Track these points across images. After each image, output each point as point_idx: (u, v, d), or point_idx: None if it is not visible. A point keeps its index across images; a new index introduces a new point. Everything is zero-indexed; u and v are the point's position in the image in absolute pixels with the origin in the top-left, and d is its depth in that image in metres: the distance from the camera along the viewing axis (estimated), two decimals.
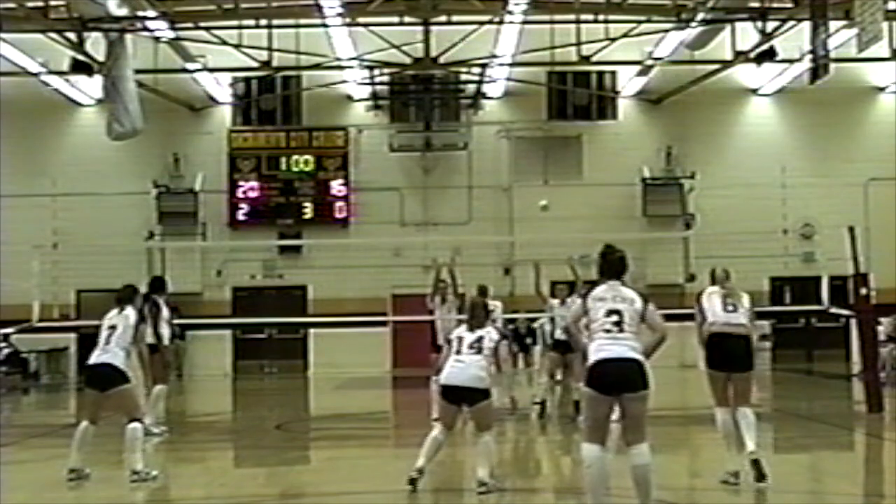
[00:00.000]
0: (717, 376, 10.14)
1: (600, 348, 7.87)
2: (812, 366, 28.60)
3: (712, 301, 10.40)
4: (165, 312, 14.96)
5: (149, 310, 13.73)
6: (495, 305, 16.35)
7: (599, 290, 8.08)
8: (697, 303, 10.54)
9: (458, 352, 9.95)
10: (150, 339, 13.26)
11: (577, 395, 16.43)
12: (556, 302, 17.03)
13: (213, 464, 12.89)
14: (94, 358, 10.96)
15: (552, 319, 17.08)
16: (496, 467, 10.04)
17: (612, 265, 8.20)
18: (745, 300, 10.41)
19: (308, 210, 30.17)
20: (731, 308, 10.26)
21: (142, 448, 10.84)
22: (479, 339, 9.95)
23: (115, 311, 11.19)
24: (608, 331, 7.88)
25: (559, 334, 16.78)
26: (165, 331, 14.86)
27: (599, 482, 7.93)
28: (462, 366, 9.84)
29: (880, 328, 19.45)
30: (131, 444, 10.80)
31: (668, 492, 9.82)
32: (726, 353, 10.06)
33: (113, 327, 11.01)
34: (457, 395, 9.83)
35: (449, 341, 10.27)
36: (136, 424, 10.81)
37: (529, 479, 10.43)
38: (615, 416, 8.05)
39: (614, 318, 7.90)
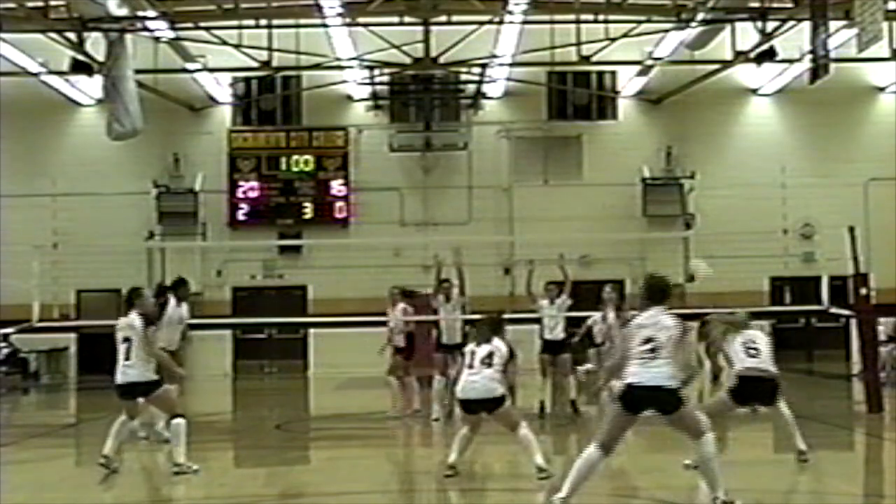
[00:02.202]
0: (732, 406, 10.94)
1: (633, 373, 8.32)
2: (812, 366, 28.57)
3: (734, 347, 11.04)
4: (184, 313, 14.92)
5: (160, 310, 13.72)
6: None
7: (642, 318, 8.48)
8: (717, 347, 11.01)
9: (471, 366, 10.57)
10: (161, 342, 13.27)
11: (572, 393, 16.46)
12: (545, 302, 17.01)
13: (213, 464, 12.88)
14: (120, 376, 11.05)
15: (540, 320, 17.06)
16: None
17: (656, 292, 8.61)
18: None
19: (308, 210, 30.16)
20: (753, 353, 10.97)
21: (185, 442, 10.95)
22: (490, 355, 10.53)
23: (122, 320, 11.23)
24: (641, 358, 8.30)
25: (548, 335, 16.84)
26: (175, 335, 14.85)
27: (586, 473, 8.35)
28: (475, 379, 10.47)
29: (880, 328, 19.42)
30: (175, 439, 11.05)
31: (668, 492, 9.82)
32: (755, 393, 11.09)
33: (128, 339, 11.07)
34: (475, 407, 10.53)
35: (463, 354, 10.86)
36: (178, 420, 11.05)
37: (526, 480, 10.42)
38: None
39: (650, 345, 8.29)
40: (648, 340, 8.30)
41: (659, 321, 8.39)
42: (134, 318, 11.12)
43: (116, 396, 11.22)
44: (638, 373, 8.26)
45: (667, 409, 8.29)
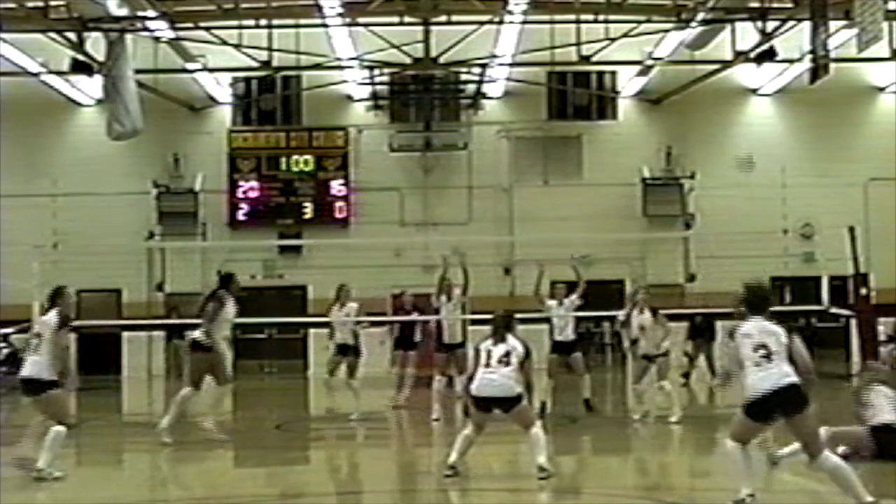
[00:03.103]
0: None
1: (757, 381, 8.27)
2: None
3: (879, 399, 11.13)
4: (231, 311, 14.90)
5: (212, 307, 13.70)
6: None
7: (747, 327, 8.46)
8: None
9: (488, 364, 10.56)
10: (198, 334, 13.27)
11: (587, 392, 16.38)
12: (553, 303, 16.96)
13: (213, 464, 12.89)
14: (24, 369, 11.11)
15: (550, 320, 17.01)
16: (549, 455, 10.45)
17: (759, 301, 8.60)
18: None
19: (308, 210, 30.16)
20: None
21: (56, 451, 10.80)
22: (508, 354, 10.62)
23: (41, 317, 11.25)
24: (758, 364, 8.28)
25: (558, 335, 16.74)
26: (225, 331, 14.91)
27: (743, 467, 8.47)
28: (493, 377, 10.50)
29: (880, 328, 19.44)
30: (49, 444, 10.90)
31: (668, 492, 9.82)
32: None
33: (39, 335, 11.08)
34: (490, 405, 10.54)
35: (477, 352, 10.76)
36: (60, 428, 10.96)
37: (526, 480, 10.42)
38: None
39: (762, 351, 8.30)
40: (760, 347, 8.32)
41: (765, 328, 8.43)
42: (52, 316, 11.12)
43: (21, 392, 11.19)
44: (762, 378, 8.24)
45: (798, 409, 8.25)
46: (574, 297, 16.81)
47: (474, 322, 16.06)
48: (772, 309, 8.61)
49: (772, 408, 8.27)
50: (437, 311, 16.60)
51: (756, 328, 8.42)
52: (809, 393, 8.34)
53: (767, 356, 8.26)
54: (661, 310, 16.01)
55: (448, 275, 16.63)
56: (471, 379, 10.61)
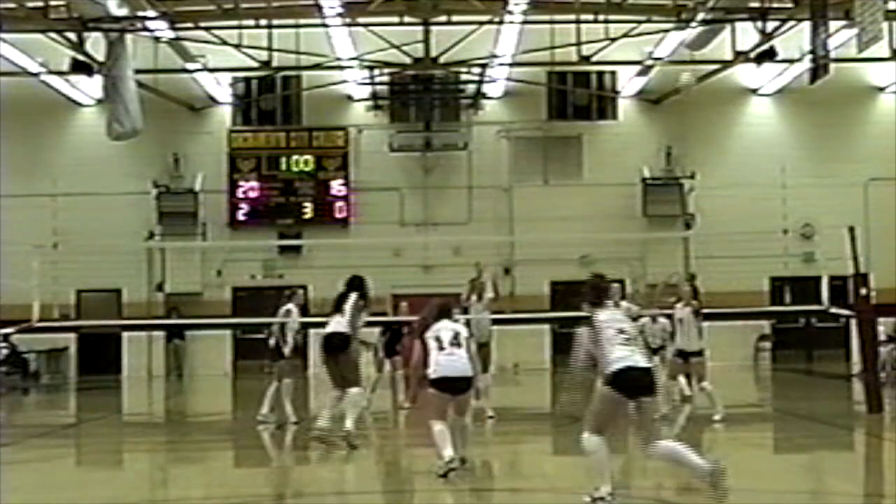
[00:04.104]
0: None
1: (620, 359, 8.52)
2: (812, 366, 28.59)
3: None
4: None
5: (357, 307, 13.60)
6: None
7: (604, 315, 8.83)
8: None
9: (441, 348, 10.56)
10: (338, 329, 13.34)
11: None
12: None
13: (213, 464, 12.89)
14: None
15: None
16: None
17: (602, 293, 9.16)
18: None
19: (308, 210, 30.17)
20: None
21: None
22: (457, 335, 10.67)
23: None
24: (622, 344, 8.60)
25: None
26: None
27: (605, 462, 8.77)
28: (455, 358, 10.50)
29: (880, 328, 19.41)
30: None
31: (668, 492, 9.82)
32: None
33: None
34: (455, 386, 10.46)
35: (439, 340, 10.65)
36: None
37: (526, 480, 10.42)
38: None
39: (623, 336, 8.65)
40: (621, 331, 8.70)
41: (619, 316, 8.97)
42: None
43: None
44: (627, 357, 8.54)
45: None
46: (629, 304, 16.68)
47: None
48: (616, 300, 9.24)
49: (634, 381, 8.44)
50: (465, 311, 16.53)
51: (612, 315, 8.89)
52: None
53: (627, 340, 8.63)
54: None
55: (484, 279, 16.54)
56: (425, 366, 10.56)
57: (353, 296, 13.54)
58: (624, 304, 16.44)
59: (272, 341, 16.35)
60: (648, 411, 8.54)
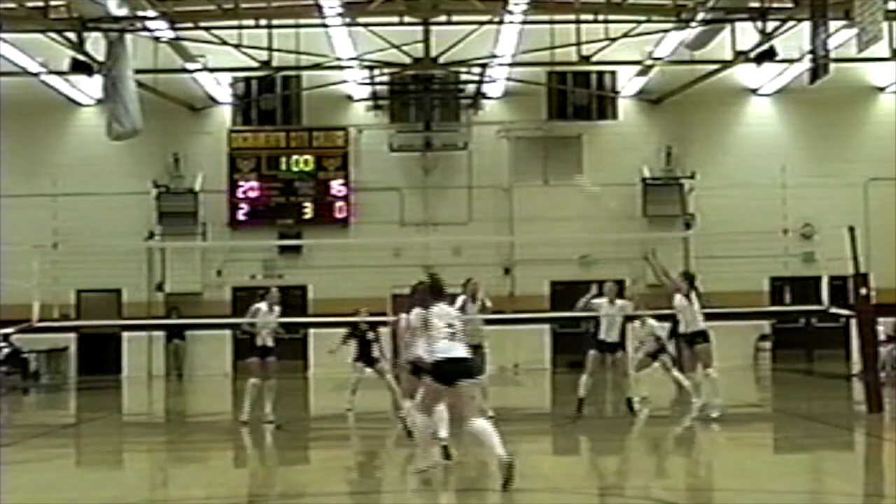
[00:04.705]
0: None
1: (442, 350, 9.81)
2: (812, 366, 28.58)
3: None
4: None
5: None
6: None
7: (436, 310, 10.06)
8: None
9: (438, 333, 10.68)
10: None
11: (630, 392, 16.30)
12: (603, 301, 16.41)
13: (213, 464, 12.89)
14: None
15: (597, 318, 16.62)
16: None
17: (440, 290, 10.37)
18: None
19: (308, 210, 30.18)
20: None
21: None
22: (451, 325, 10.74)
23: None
24: (446, 337, 9.85)
25: (603, 335, 16.27)
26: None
27: (429, 438, 10.10)
28: (451, 344, 10.51)
29: (880, 328, 19.40)
30: None
31: (668, 492, 9.82)
32: None
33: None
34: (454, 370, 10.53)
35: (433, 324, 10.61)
36: None
37: (529, 480, 10.41)
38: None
39: (449, 329, 9.89)
40: (449, 325, 9.93)
41: (446, 311, 10.08)
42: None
43: None
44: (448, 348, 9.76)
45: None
46: (626, 302, 16.68)
47: (487, 322, 16.09)
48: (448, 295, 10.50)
49: (451, 371, 9.68)
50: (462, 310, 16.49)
51: (442, 311, 10.04)
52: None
53: (452, 335, 9.83)
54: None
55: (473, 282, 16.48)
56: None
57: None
58: (619, 302, 16.47)
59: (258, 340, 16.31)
60: (465, 394, 9.69)
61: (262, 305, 16.34)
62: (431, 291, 10.39)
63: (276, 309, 16.42)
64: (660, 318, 17.27)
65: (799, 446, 13.30)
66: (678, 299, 15.39)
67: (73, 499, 10.21)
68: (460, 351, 9.84)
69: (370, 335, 17.89)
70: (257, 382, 16.14)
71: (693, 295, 15.32)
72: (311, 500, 10.10)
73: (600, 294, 16.19)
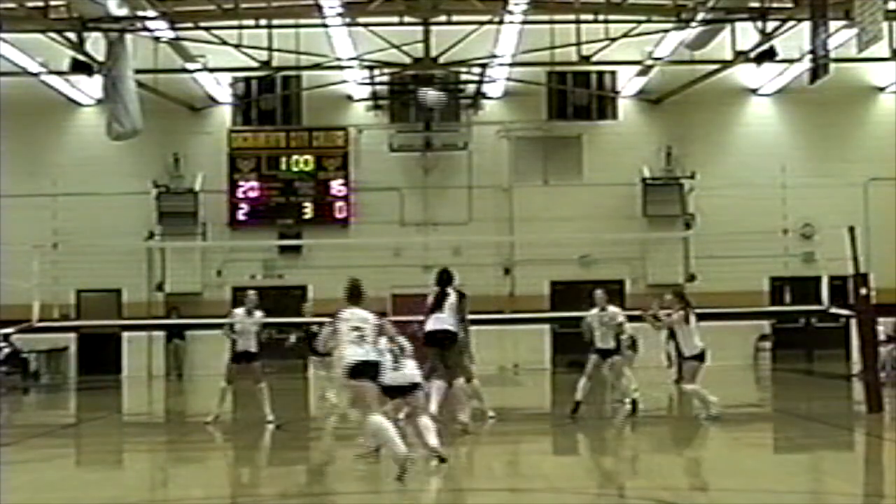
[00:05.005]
0: None
1: (352, 354, 10.43)
2: (812, 366, 28.59)
3: None
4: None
5: (462, 304, 13.91)
6: None
7: (346, 314, 10.66)
8: None
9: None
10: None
11: (634, 394, 16.28)
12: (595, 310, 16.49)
13: (213, 464, 12.89)
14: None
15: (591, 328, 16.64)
16: None
17: (356, 294, 10.88)
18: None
19: (308, 210, 30.17)
20: None
21: None
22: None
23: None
24: (353, 342, 10.46)
25: (599, 343, 16.35)
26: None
27: (391, 432, 10.27)
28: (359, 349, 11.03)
29: (880, 328, 19.40)
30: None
31: (668, 492, 9.82)
32: None
33: None
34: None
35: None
36: None
37: (529, 480, 10.42)
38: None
39: (357, 333, 10.48)
40: (355, 329, 10.51)
41: (358, 315, 10.59)
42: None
43: None
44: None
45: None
46: (616, 309, 16.63)
47: (474, 322, 16.03)
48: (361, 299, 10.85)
49: (360, 372, 10.32)
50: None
51: (353, 315, 10.60)
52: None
53: (360, 338, 10.44)
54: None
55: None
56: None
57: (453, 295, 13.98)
58: (611, 308, 16.49)
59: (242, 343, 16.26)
60: (369, 394, 10.32)
61: (240, 311, 16.34)
62: (348, 296, 10.88)
63: (258, 313, 16.35)
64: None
65: (799, 446, 13.30)
66: (675, 317, 15.15)
67: (73, 499, 10.21)
68: (365, 354, 10.40)
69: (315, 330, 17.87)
70: (226, 387, 16.14)
71: (689, 315, 15.00)
72: (311, 500, 10.10)
73: (592, 304, 16.26)
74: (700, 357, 14.99)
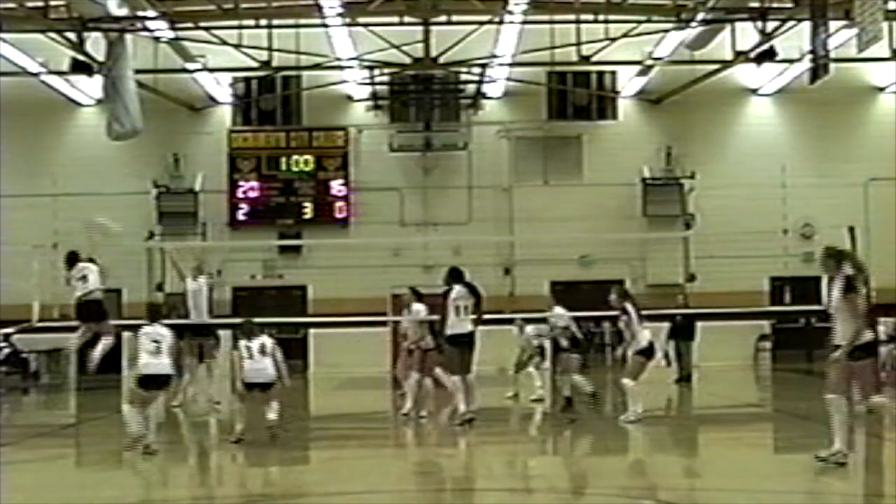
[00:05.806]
0: None
1: (142, 366, 12.13)
2: (812, 366, 28.56)
3: None
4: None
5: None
6: None
7: (145, 329, 12.28)
8: None
9: (251, 357, 13.42)
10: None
11: (567, 391, 16.29)
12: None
13: (214, 464, 12.89)
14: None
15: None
16: None
17: (156, 311, 12.90)
18: None
19: (308, 210, 30.18)
20: None
21: None
22: (263, 346, 13.40)
23: None
24: (151, 353, 12.19)
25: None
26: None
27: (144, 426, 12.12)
28: (259, 367, 13.50)
29: (880, 328, 19.39)
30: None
31: (668, 492, 9.82)
32: None
33: None
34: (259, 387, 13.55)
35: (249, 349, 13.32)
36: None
37: (529, 480, 10.43)
38: None
39: (154, 345, 12.18)
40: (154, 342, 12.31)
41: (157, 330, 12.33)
42: None
43: None
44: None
45: None
46: (562, 310, 16.83)
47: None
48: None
49: (151, 380, 12.09)
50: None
51: (153, 329, 12.23)
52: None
53: (157, 349, 11.94)
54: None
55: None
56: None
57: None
58: (557, 309, 16.62)
59: None
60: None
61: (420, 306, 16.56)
62: (148, 312, 12.65)
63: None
64: (652, 318, 17.17)
65: (799, 446, 13.29)
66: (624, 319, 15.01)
67: (73, 499, 10.21)
68: (159, 367, 12.07)
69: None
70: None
71: (630, 309, 14.79)
72: (311, 500, 10.10)
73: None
74: (646, 352, 14.78)
